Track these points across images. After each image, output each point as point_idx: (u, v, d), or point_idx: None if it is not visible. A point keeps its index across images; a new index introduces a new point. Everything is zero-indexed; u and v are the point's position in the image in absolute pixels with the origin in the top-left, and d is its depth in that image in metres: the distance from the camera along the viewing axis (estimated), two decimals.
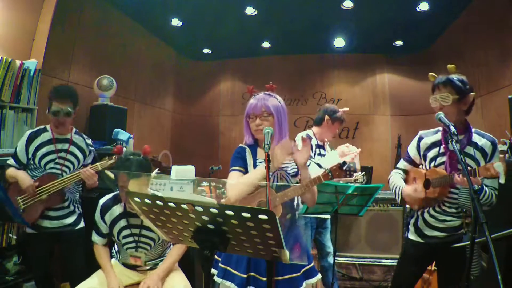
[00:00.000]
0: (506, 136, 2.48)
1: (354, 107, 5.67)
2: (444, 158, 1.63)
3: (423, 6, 3.84)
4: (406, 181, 1.81)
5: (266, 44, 5.45)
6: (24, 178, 1.99)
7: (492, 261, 1.05)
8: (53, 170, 2.08)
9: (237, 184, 1.44)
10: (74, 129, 2.21)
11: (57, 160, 2.10)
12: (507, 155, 2.35)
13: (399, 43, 5.07)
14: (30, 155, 2.06)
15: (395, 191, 1.76)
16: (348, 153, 2.45)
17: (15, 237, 2.48)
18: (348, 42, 5.10)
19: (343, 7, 3.99)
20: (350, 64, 5.69)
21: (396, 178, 1.80)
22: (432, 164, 1.67)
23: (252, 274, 1.42)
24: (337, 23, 4.49)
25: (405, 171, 1.82)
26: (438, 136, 1.69)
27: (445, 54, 4.58)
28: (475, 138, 1.63)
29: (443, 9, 3.86)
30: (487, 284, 1.78)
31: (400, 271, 1.87)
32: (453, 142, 1.38)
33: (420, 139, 1.74)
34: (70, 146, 2.15)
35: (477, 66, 3.75)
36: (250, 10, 4.18)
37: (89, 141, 2.27)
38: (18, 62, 2.62)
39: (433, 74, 1.70)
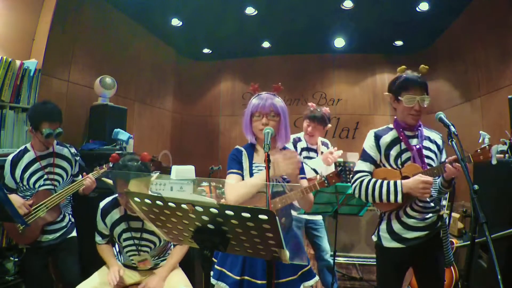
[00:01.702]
0: (506, 136, 2.47)
1: (354, 107, 5.69)
2: (408, 154, 1.61)
3: (423, 6, 3.83)
4: None
5: (266, 44, 5.44)
6: (13, 199, 1.95)
7: (492, 261, 1.05)
8: (45, 187, 2.09)
9: (236, 188, 1.43)
10: (55, 141, 2.19)
11: (45, 177, 2.10)
12: (507, 155, 2.35)
13: (399, 43, 5.06)
14: (18, 179, 2.06)
15: (388, 190, 1.54)
16: (332, 160, 2.46)
17: (15, 259, 2.48)
18: (348, 42, 5.09)
19: (343, 7, 3.99)
20: (350, 64, 5.69)
21: (373, 180, 1.61)
22: (398, 162, 1.62)
23: (246, 277, 1.42)
24: (337, 23, 4.48)
25: (371, 173, 1.67)
26: (394, 134, 1.66)
27: (445, 54, 4.58)
28: (426, 132, 1.68)
29: (443, 9, 3.86)
30: (487, 284, 1.78)
31: (384, 282, 1.74)
32: (453, 142, 1.38)
33: (378, 137, 1.66)
34: (54, 159, 2.15)
35: (477, 66, 3.75)
36: (250, 10, 4.18)
37: (73, 150, 2.27)
38: (18, 62, 2.62)
39: (404, 67, 1.70)
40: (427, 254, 1.63)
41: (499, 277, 1.01)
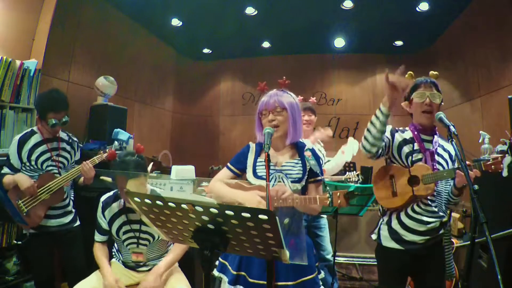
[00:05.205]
0: (506, 136, 2.47)
1: (354, 107, 5.69)
2: (420, 155, 1.62)
3: (423, 6, 3.83)
4: (377, 180, 1.70)
5: (266, 44, 5.44)
6: (22, 179, 1.97)
7: (492, 261, 1.05)
8: (50, 168, 2.12)
9: (217, 187, 1.48)
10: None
11: (52, 158, 2.13)
12: (507, 155, 2.35)
13: (399, 43, 5.07)
14: (24, 159, 2.07)
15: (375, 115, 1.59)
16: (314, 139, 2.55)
17: (18, 242, 2.48)
18: (348, 42, 5.10)
19: (343, 7, 3.99)
20: (350, 64, 5.69)
21: None
22: (409, 160, 1.63)
23: (242, 273, 1.42)
24: (337, 23, 4.49)
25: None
26: (409, 134, 1.67)
27: (445, 54, 4.58)
28: (441, 141, 1.68)
29: (443, 9, 3.86)
30: (487, 284, 1.78)
31: (384, 282, 1.73)
32: (453, 142, 1.38)
33: (395, 130, 1.69)
34: (60, 143, 2.19)
35: (477, 66, 3.75)
36: (250, 10, 4.18)
37: (75, 138, 2.31)
38: (18, 62, 2.62)
39: (411, 73, 1.71)
40: (428, 266, 1.61)
41: (499, 277, 1.01)
